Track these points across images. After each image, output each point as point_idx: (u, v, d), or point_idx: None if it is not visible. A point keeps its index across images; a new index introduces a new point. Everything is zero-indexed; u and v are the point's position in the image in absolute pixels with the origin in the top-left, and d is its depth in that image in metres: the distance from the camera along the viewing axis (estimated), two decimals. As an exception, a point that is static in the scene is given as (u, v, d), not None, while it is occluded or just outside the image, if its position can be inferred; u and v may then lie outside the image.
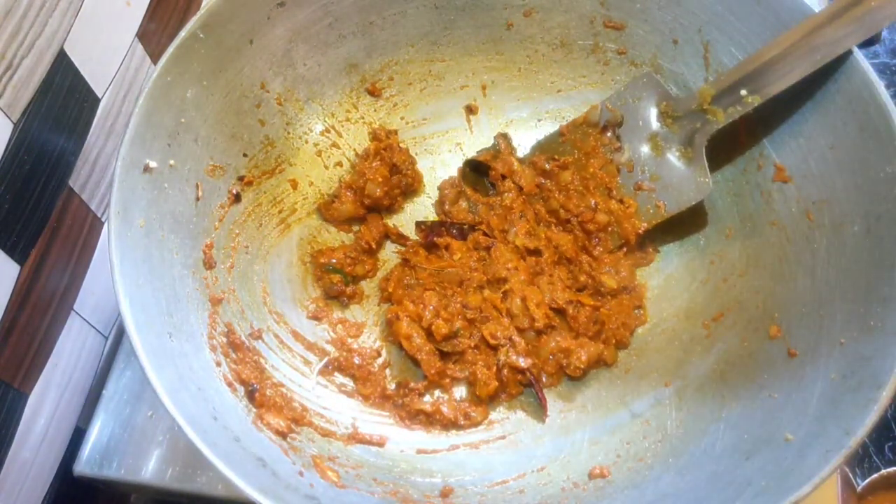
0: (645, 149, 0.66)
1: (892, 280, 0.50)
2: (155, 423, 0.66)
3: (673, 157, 0.65)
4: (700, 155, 0.63)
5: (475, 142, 0.74)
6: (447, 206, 0.70)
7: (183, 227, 0.58)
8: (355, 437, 0.59)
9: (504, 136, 0.72)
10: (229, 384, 0.55)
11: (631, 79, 0.68)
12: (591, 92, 0.71)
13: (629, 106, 0.67)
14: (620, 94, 0.67)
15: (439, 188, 0.71)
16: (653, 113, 0.66)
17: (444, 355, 0.63)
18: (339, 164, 0.71)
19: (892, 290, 0.50)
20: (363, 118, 0.72)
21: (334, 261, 0.67)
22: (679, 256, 0.67)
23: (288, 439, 0.55)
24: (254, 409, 0.55)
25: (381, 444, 0.59)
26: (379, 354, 0.65)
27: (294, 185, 0.69)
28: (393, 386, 0.63)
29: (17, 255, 0.58)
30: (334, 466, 0.55)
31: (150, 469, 0.64)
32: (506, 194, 0.69)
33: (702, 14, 0.63)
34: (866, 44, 0.59)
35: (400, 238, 0.70)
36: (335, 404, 0.62)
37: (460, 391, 0.64)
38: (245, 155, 0.64)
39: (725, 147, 0.65)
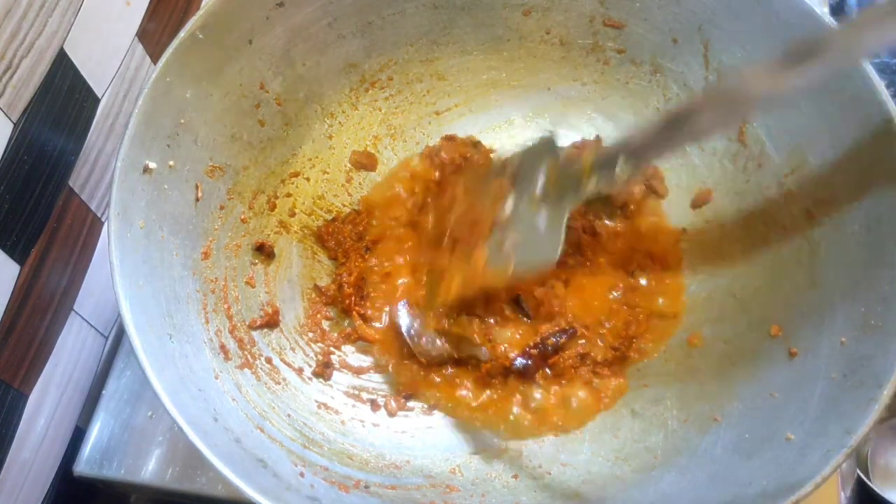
0: (522, 206, 0.63)
1: (892, 279, 0.50)
2: (155, 423, 0.66)
3: (540, 219, 0.61)
4: (560, 223, 0.60)
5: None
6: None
7: (183, 227, 0.57)
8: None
9: None
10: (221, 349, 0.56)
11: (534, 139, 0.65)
12: (591, 91, 0.71)
13: (524, 164, 0.63)
14: (519, 152, 0.64)
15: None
16: (541, 173, 0.62)
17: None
18: (338, 166, 0.71)
19: (892, 288, 0.50)
20: (363, 118, 0.72)
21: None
22: (679, 255, 0.68)
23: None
24: None
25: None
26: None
27: (293, 185, 0.68)
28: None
29: (17, 255, 0.58)
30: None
31: (150, 469, 0.64)
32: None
33: (701, 13, 0.62)
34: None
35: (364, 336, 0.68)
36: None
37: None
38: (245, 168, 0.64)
39: (726, 146, 0.65)
